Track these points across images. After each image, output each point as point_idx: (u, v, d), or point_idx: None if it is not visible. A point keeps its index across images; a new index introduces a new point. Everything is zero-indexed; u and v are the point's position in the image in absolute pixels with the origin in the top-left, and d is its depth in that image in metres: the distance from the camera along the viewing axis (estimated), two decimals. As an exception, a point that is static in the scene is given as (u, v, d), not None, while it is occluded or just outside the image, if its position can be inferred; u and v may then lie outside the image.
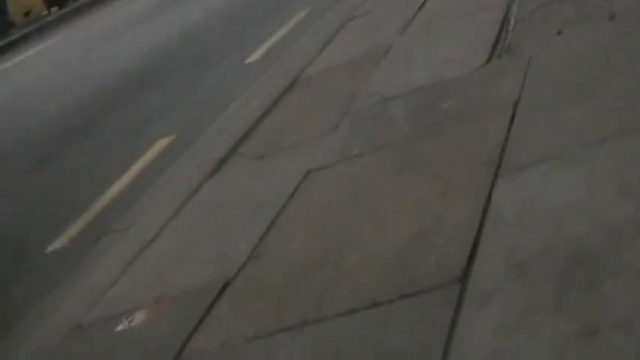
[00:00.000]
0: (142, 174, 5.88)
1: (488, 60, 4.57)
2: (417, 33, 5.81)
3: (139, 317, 3.41)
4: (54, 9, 24.19)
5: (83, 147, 7.54)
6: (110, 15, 19.53)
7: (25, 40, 20.36)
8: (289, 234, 3.56)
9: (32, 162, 7.72)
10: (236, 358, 2.85)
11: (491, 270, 2.60)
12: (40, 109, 10.38)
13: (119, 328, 3.40)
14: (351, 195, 3.66)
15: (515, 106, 3.75)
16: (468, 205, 3.06)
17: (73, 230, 5.35)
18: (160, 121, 7.15)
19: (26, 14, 23.51)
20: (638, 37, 3.94)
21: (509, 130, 3.53)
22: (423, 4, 6.48)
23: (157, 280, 3.73)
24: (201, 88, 7.86)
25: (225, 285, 3.32)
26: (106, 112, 8.53)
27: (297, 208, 3.79)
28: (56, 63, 14.70)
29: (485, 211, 2.96)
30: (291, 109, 5.41)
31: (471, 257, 2.71)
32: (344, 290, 2.89)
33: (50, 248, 5.22)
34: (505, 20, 5.11)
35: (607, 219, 2.62)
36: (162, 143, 6.36)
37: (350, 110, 4.72)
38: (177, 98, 7.92)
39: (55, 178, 6.91)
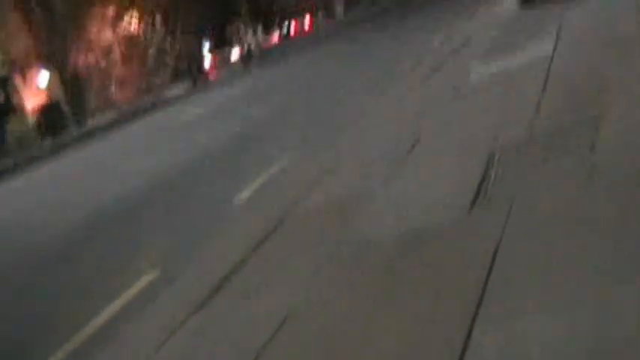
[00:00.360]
0: (125, 308, 5.87)
1: (472, 205, 4.66)
2: (400, 178, 5.94)
3: None
4: (47, 139, 24.54)
5: (60, 282, 7.49)
6: (99, 149, 19.89)
7: (15, 169, 20.59)
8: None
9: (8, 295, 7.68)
10: None
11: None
12: (19, 240, 10.41)
13: None
14: (331, 336, 3.68)
15: (495, 253, 3.82)
16: (445, 354, 3.08)
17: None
18: (145, 257, 7.19)
19: (19, 144, 23.90)
20: (620, 191, 4.05)
21: (487, 280, 3.58)
22: (412, 148, 6.66)
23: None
24: (190, 226, 7.94)
25: None
26: (91, 245, 8.58)
27: (279, 348, 3.79)
28: (45, 193, 14.83)
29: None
30: (275, 250, 5.46)
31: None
32: None
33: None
34: (488, 164, 5.25)
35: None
36: (145, 280, 6.37)
37: (333, 254, 4.78)
38: (161, 235, 7.98)
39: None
